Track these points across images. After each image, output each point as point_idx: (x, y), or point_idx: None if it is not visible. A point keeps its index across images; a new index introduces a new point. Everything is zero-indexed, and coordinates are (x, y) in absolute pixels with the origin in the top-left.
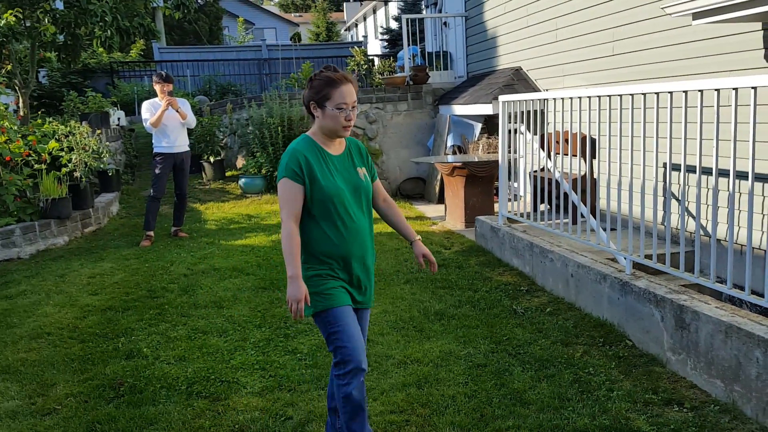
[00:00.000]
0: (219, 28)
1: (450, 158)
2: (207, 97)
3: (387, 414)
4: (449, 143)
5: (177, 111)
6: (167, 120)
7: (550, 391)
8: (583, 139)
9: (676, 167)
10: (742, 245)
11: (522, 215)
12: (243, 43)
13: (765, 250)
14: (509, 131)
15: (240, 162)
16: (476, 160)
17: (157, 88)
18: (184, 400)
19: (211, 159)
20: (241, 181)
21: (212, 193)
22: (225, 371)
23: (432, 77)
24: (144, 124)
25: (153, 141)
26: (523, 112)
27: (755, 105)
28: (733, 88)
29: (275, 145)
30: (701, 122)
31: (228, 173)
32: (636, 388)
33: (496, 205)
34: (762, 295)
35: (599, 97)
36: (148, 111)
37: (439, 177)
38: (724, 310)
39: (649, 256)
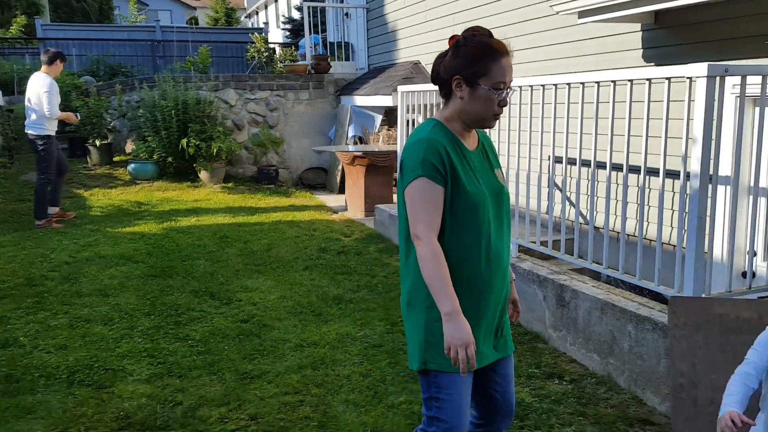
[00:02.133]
0: (110, 7)
1: (351, 148)
2: (94, 79)
3: (281, 396)
4: (350, 133)
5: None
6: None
7: None
8: None
9: (559, 159)
10: (617, 232)
11: None
12: (135, 23)
13: (637, 236)
14: (408, 122)
15: (129, 146)
16: (376, 150)
17: (60, 66)
18: (65, 389)
19: (98, 142)
20: (131, 166)
21: (98, 178)
22: (110, 359)
23: (334, 67)
24: (48, 107)
25: (34, 122)
26: (421, 104)
27: (630, 100)
28: (611, 81)
29: (168, 129)
30: (581, 117)
31: (116, 158)
32: (520, 363)
33: (395, 195)
34: (634, 275)
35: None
36: (55, 97)
37: (340, 167)
38: (601, 289)
39: (535, 242)
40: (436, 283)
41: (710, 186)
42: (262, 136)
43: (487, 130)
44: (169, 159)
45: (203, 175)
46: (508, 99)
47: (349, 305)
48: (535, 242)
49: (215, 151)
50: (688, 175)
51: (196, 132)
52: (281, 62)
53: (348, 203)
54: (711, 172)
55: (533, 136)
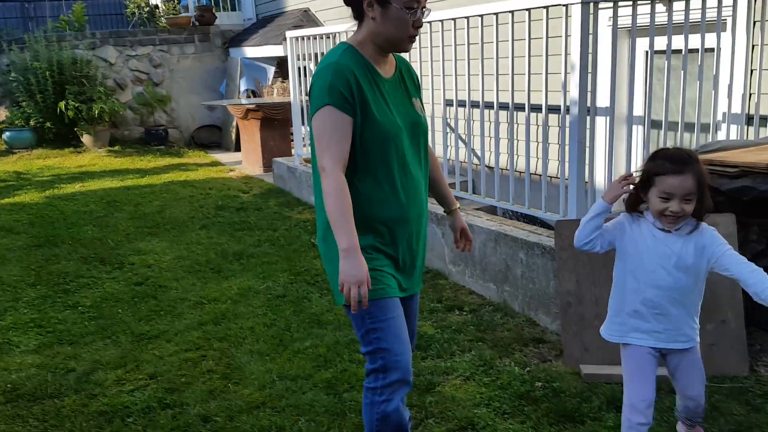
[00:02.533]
0: None
1: (244, 101)
2: None
3: (182, 353)
4: (242, 87)
5: None
6: None
7: (345, 311)
8: None
9: (450, 102)
10: (504, 169)
11: None
12: None
13: (532, 172)
14: (300, 70)
15: (2, 114)
16: (270, 102)
17: None
18: None
19: None
20: (6, 135)
21: None
22: None
23: (220, 18)
24: None
25: None
26: (313, 53)
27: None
28: (494, 14)
29: (44, 92)
30: (482, 57)
31: None
32: (423, 300)
33: (293, 148)
34: (523, 205)
35: None
36: None
37: (234, 123)
38: (494, 221)
39: None
40: (335, 217)
41: (588, 117)
42: (147, 94)
43: (406, 55)
44: (48, 124)
45: (86, 139)
46: (423, 19)
47: (250, 260)
48: None
49: (97, 113)
50: (568, 109)
51: (74, 94)
52: (164, 17)
53: (245, 159)
54: (589, 103)
55: (435, 81)
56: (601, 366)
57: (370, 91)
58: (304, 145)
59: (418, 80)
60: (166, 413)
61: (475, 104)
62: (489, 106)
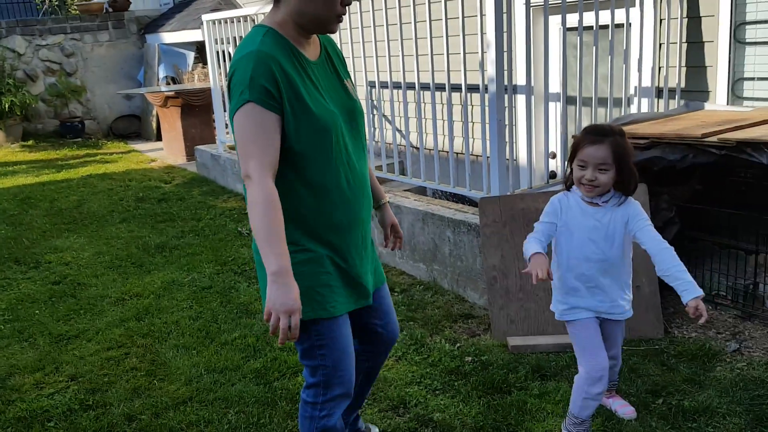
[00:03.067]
0: None
1: (163, 88)
2: None
3: (103, 352)
4: (161, 74)
5: None
6: None
7: None
8: None
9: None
10: (429, 149)
11: None
12: None
13: (457, 151)
14: (219, 55)
15: None
16: (189, 88)
17: None
18: None
19: None
20: None
21: None
22: None
23: (134, 3)
24: None
25: None
26: (233, 37)
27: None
28: None
29: None
30: (401, 39)
31: None
32: None
33: (216, 134)
34: (449, 184)
35: None
36: None
37: (154, 112)
38: (422, 201)
39: None
40: (262, 234)
41: (506, 95)
42: (60, 85)
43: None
44: None
45: None
46: None
47: (173, 252)
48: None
49: (7, 106)
50: (486, 88)
51: None
52: (75, 4)
53: (166, 148)
54: (506, 81)
55: (355, 62)
56: (527, 337)
57: (299, 80)
58: (227, 132)
59: (343, 58)
60: (89, 414)
61: (397, 85)
62: (411, 86)
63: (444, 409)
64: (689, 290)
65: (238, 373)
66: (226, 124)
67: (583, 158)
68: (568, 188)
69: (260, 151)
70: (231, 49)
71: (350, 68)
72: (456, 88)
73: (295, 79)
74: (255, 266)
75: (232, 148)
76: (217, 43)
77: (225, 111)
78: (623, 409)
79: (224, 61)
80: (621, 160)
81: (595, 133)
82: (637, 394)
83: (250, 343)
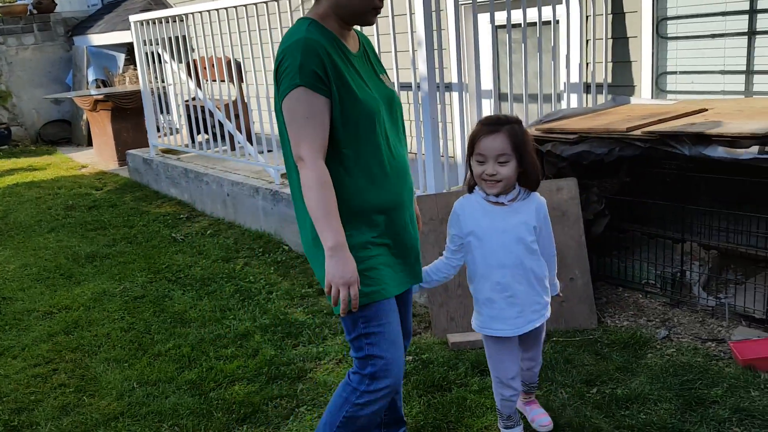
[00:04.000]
0: None
1: (93, 92)
2: None
3: (30, 369)
4: (91, 77)
5: None
6: None
7: (211, 306)
8: (229, 62)
9: None
10: None
11: (186, 146)
12: None
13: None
14: (148, 56)
15: None
16: (120, 91)
17: None
18: None
19: None
20: None
21: None
22: None
23: (60, 5)
24: None
25: None
26: (165, 38)
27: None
28: None
29: None
30: None
31: None
32: (294, 286)
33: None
34: None
35: (236, 7)
36: None
37: (85, 117)
38: None
39: None
40: (319, 213)
41: (439, 93)
42: None
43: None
44: None
45: None
46: None
47: (104, 261)
48: None
49: None
50: (419, 86)
51: None
52: None
53: (97, 154)
54: (438, 79)
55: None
56: (466, 333)
57: (344, 67)
58: (159, 136)
59: (377, 55)
60: None
61: None
62: None
63: None
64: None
65: (172, 384)
66: (158, 128)
67: (481, 151)
68: (470, 190)
69: (312, 134)
70: (160, 51)
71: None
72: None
73: (341, 66)
74: (306, 254)
75: (165, 151)
76: (146, 45)
77: (157, 113)
78: (540, 419)
79: (157, 63)
80: (520, 148)
81: (490, 124)
82: (573, 384)
83: (185, 353)
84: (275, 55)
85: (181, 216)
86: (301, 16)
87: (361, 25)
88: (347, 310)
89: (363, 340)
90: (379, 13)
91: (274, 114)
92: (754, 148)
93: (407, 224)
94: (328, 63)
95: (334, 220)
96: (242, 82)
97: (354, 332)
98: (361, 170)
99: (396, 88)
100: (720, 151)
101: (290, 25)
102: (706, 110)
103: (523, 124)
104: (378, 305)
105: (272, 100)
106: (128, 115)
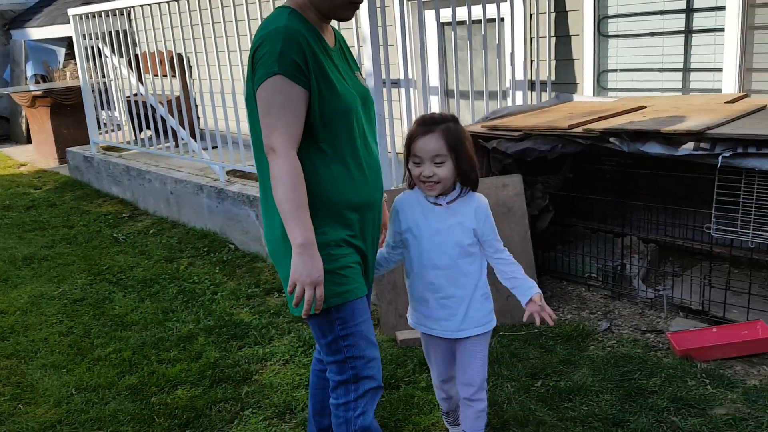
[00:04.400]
0: None
1: (32, 87)
2: None
3: None
4: (29, 72)
5: None
6: None
7: (153, 308)
8: (172, 58)
9: None
10: None
11: (128, 143)
12: None
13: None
14: (88, 50)
15: None
16: (60, 87)
17: None
18: None
19: None
20: None
21: None
22: None
23: None
24: None
25: None
26: (107, 32)
27: None
28: None
29: None
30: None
31: None
32: (240, 286)
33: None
34: None
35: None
36: None
37: (24, 113)
38: None
39: (244, 162)
40: (288, 207)
41: (386, 89)
42: None
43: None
44: None
45: None
46: None
47: (43, 263)
48: (251, 165)
49: None
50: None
51: None
52: None
53: (37, 152)
54: (384, 75)
55: (232, 56)
56: (414, 330)
57: (324, 59)
58: (101, 132)
59: (351, 52)
60: None
61: None
62: None
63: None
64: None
65: (112, 390)
66: (99, 124)
67: (417, 152)
68: (410, 187)
69: (286, 124)
70: (106, 49)
71: (231, 62)
72: None
73: (321, 58)
74: (271, 252)
75: (107, 149)
76: (86, 39)
77: (98, 110)
78: None
79: (99, 57)
80: (457, 147)
81: (424, 124)
82: (518, 378)
83: (126, 357)
84: (250, 43)
85: (123, 215)
86: (264, 5)
87: (338, 19)
88: (310, 311)
89: (341, 342)
90: (358, 8)
91: (220, 110)
92: (690, 145)
93: (375, 225)
94: (309, 53)
95: (304, 215)
96: (188, 77)
97: (330, 335)
98: (337, 165)
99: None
100: (657, 148)
101: (238, 19)
102: (645, 107)
103: (470, 120)
104: (353, 304)
105: (218, 96)
106: (69, 111)
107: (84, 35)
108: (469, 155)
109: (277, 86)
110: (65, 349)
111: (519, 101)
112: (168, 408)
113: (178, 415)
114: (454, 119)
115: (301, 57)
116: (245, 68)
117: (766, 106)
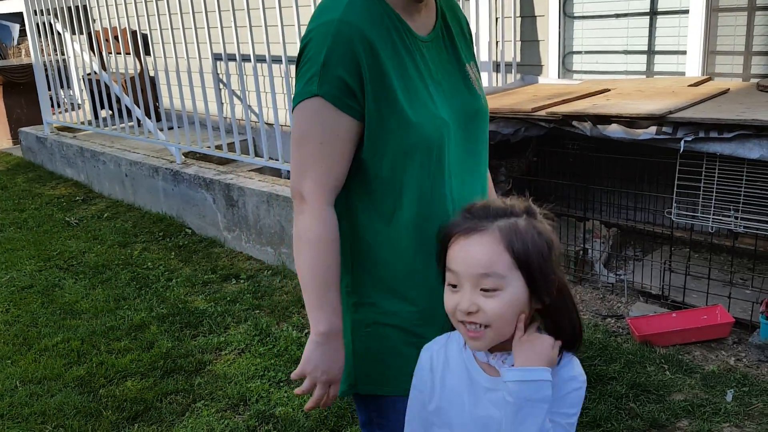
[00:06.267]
0: None
1: None
2: None
3: None
4: None
5: None
6: None
7: (105, 296)
8: (134, 34)
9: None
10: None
11: (83, 123)
12: None
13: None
14: (40, 27)
15: None
16: (13, 64)
17: None
18: None
19: None
20: None
21: None
22: None
23: None
24: None
25: None
26: (59, 7)
27: None
28: None
29: None
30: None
31: None
32: (196, 272)
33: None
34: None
35: None
36: None
37: None
38: (266, 182)
39: (209, 146)
40: (313, 283)
41: None
42: None
43: None
44: None
45: None
46: None
47: None
48: (209, 146)
49: None
50: None
51: None
52: None
53: None
54: None
55: (199, 33)
56: None
57: (395, 68)
58: (55, 113)
59: (469, 30)
60: None
61: (246, 58)
62: (261, 59)
63: (287, 402)
64: None
65: (59, 382)
66: (52, 103)
67: (451, 266)
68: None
69: (323, 167)
70: (58, 25)
71: (192, 38)
72: (292, 60)
73: (389, 68)
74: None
75: (61, 129)
76: (37, 15)
77: (51, 89)
78: None
79: (53, 34)
80: (528, 263)
81: (469, 215)
82: None
83: (74, 347)
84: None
85: (77, 198)
86: None
87: None
88: (314, 408)
89: (375, 427)
90: None
91: (182, 89)
92: (652, 129)
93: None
94: (367, 63)
95: (333, 294)
96: (145, 54)
97: (365, 415)
98: (397, 220)
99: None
100: (620, 132)
101: None
102: (609, 90)
103: None
104: (393, 399)
105: (174, 75)
106: (22, 90)
107: (35, 11)
108: (558, 281)
109: (315, 113)
110: (11, 339)
111: (484, 83)
112: (117, 400)
113: (127, 407)
114: (528, 211)
115: (354, 72)
116: (207, 46)
117: (728, 89)
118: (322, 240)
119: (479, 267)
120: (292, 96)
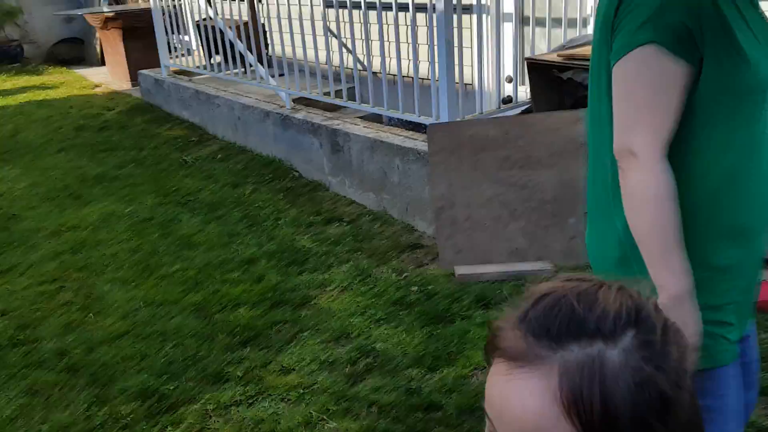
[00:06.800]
0: None
1: (105, 9)
2: None
3: (36, 286)
4: None
5: None
6: None
7: (218, 231)
8: None
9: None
10: (394, 75)
11: (198, 67)
12: None
13: (412, 76)
14: None
15: None
16: (133, 9)
17: None
18: None
19: None
20: None
21: None
22: None
23: None
24: None
25: None
26: None
27: None
28: None
29: None
30: None
31: None
32: (301, 213)
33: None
34: (398, 110)
35: None
36: None
37: (98, 35)
38: (371, 129)
39: (318, 92)
40: (657, 243)
41: (456, 15)
42: None
43: None
44: None
45: None
46: None
47: (113, 183)
48: (318, 93)
49: None
50: (434, 7)
51: None
52: None
53: (111, 74)
54: (455, 0)
55: None
56: (473, 266)
57: (729, 9)
58: (171, 57)
59: None
60: (17, 351)
61: (342, 4)
62: (356, 6)
63: (386, 339)
64: None
65: (177, 306)
66: (170, 48)
67: (488, 409)
68: None
69: (657, 120)
70: None
71: None
72: (403, 7)
73: (723, 8)
74: (591, 256)
75: (177, 72)
76: None
77: (168, 33)
78: None
79: None
80: (589, 420)
81: (542, 332)
82: None
83: (191, 276)
84: None
85: (192, 139)
86: None
87: None
88: None
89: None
90: None
91: (298, 37)
92: None
93: (761, 258)
94: (705, 5)
95: (680, 254)
96: (256, 1)
97: None
98: (719, 170)
99: (377, 10)
100: None
101: None
102: None
103: (546, 49)
104: (715, 373)
105: (286, 22)
106: (140, 34)
107: None
108: None
109: (649, 62)
110: (133, 265)
111: None
112: (230, 326)
113: (239, 332)
114: (639, 320)
115: (693, 15)
116: None
117: None
118: (662, 196)
119: (515, 420)
120: (614, 48)
